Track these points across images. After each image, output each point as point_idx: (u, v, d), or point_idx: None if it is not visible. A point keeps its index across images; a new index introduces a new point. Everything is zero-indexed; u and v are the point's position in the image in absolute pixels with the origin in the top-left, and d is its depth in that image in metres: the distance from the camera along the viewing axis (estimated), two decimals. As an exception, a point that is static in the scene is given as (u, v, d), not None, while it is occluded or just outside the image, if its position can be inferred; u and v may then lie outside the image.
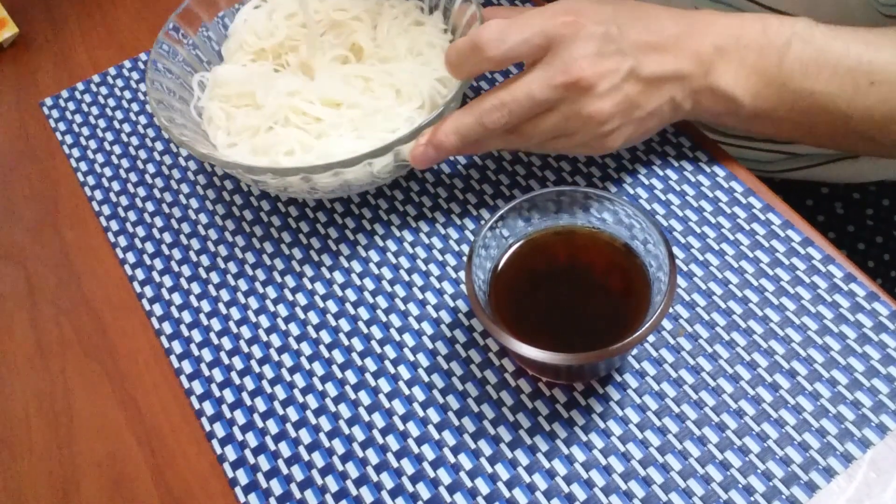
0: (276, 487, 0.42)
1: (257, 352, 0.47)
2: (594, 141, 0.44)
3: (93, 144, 0.59)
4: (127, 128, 0.60)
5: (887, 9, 0.48)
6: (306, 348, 0.47)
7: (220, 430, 0.45)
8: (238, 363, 0.47)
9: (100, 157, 0.58)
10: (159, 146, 0.58)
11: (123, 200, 0.55)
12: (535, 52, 0.42)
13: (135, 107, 0.61)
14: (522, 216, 0.43)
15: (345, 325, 0.48)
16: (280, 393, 0.45)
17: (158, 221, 0.54)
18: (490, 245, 0.43)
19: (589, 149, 0.45)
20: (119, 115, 0.61)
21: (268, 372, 0.46)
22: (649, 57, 0.43)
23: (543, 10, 0.42)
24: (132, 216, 0.54)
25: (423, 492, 0.41)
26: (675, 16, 0.45)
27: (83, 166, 0.58)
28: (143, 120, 0.60)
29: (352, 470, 0.42)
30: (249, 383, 0.46)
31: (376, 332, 0.47)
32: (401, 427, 0.43)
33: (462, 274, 0.48)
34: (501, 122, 0.43)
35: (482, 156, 0.54)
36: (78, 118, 0.61)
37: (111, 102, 0.61)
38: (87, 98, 0.62)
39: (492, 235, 0.42)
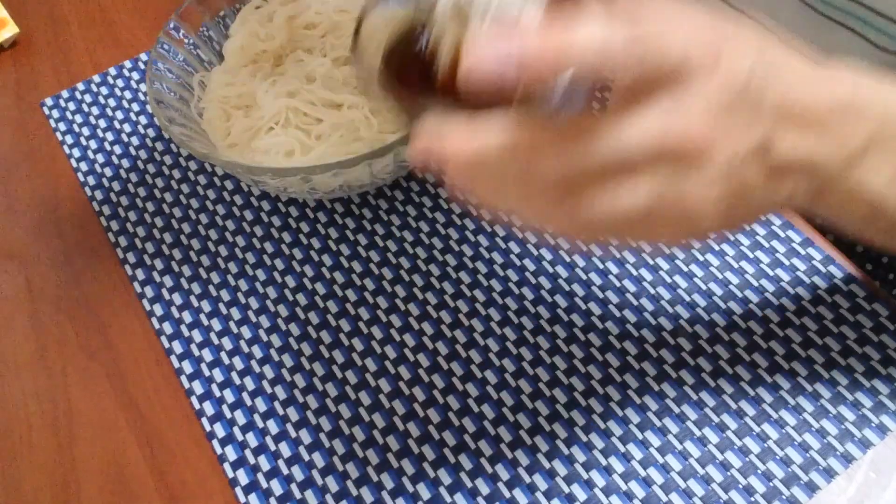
0: (276, 487, 0.42)
1: (258, 352, 0.47)
2: (672, 236, 0.30)
3: (93, 144, 0.59)
4: (127, 128, 0.60)
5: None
6: (307, 348, 0.47)
7: (220, 430, 0.45)
8: (238, 363, 0.47)
9: (100, 158, 0.58)
10: (159, 146, 0.58)
11: (124, 200, 0.55)
12: (661, 77, 0.27)
13: (135, 107, 0.61)
14: None
15: (345, 325, 0.48)
16: (280, 393, 0.45)
17: (159, 221, 0.54)
18: None
19: (657, 241, 0.30)
20: (119, 115, 0.61)
21: (268, 372, 0.46)
22: (788, 130, 0.29)
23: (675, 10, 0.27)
24: (132, 216, 0.54)
25: (424, 492, 0.41)
26: (835, 76, 0.31)
27: (83, 166, 0.58)
28: (143, 120, 0.60)
29: (352, 470, 0.42)
30: (250, 383, 0.46)
31: (377, 332, 0.47)
32: (401, 427, 0.43)
33: (463, 274, 0.49)
34: (561, 172, 0.27)
35: (482, 156, 0.54)
36: (78, 118, 0.61)
37: (111, 102, 0.61)
38: (88, 98, 0.62)
39: None
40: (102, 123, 0.60)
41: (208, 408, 0.45)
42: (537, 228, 0.31)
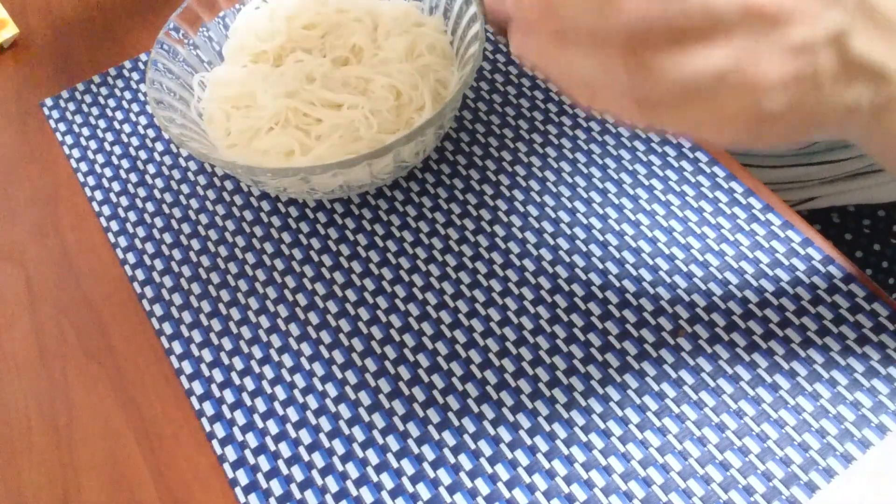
0: (276, 488, 0.42)
1: (257, 352, 0.47)
2: (735, 118, 0.28)
3: (93, 145, 0.59)
4: (127, 128, 0.60)
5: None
6: (306, 348, 0.47)
7: (220, 431, 0.45)
8: (238, 363, 0.47)
9: (100, 158, 0.58)
10: (159, 146, 0.58)
11: (124, 201, 0.55)
12: None
13: (135, 107, 0.61)
14: None
15: (345, 325, 0.48)
16: (280, 393, 0.45)
17: (159, 222, 0.54)
18: None
19: (717, 128, 0.29)
20: (119, 115, 0.61)
21: (268, 372, 0.46)
22: (867, 29, 0.29)
23: None
24: (132, 216, 0.54)
25: (424, 492, 0.41)
26: None
27: (83, 167, 0.58)
28: (143, 120, 0.60)
29: (352, 470, 0.42)
30: (250, 384, 0.46)
31: (376, 332, 0.47)
32: (401, 427, 0.43)
33: (463, 274, 0.49)
34: (640, 15, 0.26)
35: (481, 155, 0.54)
36: (78, 118, 0.61)
37: (111, 103, 0.61)
38: (88, 98, 0.62)
39: None
40: (102, 124, 0.60)
41: (208, 408, 0.45)
42: (591, 98, 0.29)
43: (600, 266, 0.48)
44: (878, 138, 0.32)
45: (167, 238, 0.53)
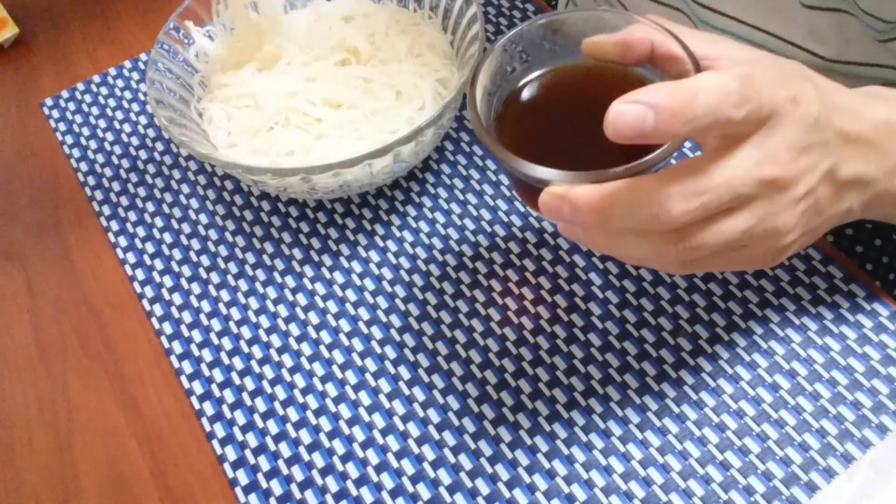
0: (276, 488, 0.42)
1: (257, 352, 0.47)
2: (764, 257, 0.35)
3: (93, 144, 0.59)
4: (127, 128, 0.60)
5: (883, 34, 0.48)
6: (306, 348, 0.47)
7: (220, 431, 0.45)
8: (238, 363, 0.47)
9: (100, 158, 0.58)
10: (159, 146, 0.58)
11: (124, 201, 0.55)
12: (750, 127, 0.32)
13: (135, 107, 0.61)
14: (546, 40, 0.39)
15: (345, 325, 0.48)
16: (280, 393, 0.45)
17: (159, 221, 0.54)
18: (503, 61, 0.39)
19: (749, 264, 0.35)
20: (119, 115, 0.61)
21: (268, 372, 0.46)
22: (849, 153, 0.35)
23: (754, 70, 0.32)
24: (132, 216, 0.54)
25: (424, 492, 0.41)
26: (871, 101, 0.37)
27: (83, 166, 0.58)
28: (143, 120, 0.60)
29: (352, 470, 0.42)
30: (250, 383, 0.46)
31: (376, 332, 0.47)
32: (401, 427, 0.43)
33: (463, 274, 0.49)
34: (687, 217, 0.31)
35: (482, 155, 0.54)
36: (78, 118, 0.61)
37: (111, 102, 0.61)
38: (88, 98, 0.62)
39: (511, 48, 0.38)
40: (102, 123, 0.60)
41: (208, 408, 0.45)
42: (638, 264, 0.37)
43: (600, 266, 0.48)
44: (873, 216, 0.40)
45: (167, 238, 0.53)
